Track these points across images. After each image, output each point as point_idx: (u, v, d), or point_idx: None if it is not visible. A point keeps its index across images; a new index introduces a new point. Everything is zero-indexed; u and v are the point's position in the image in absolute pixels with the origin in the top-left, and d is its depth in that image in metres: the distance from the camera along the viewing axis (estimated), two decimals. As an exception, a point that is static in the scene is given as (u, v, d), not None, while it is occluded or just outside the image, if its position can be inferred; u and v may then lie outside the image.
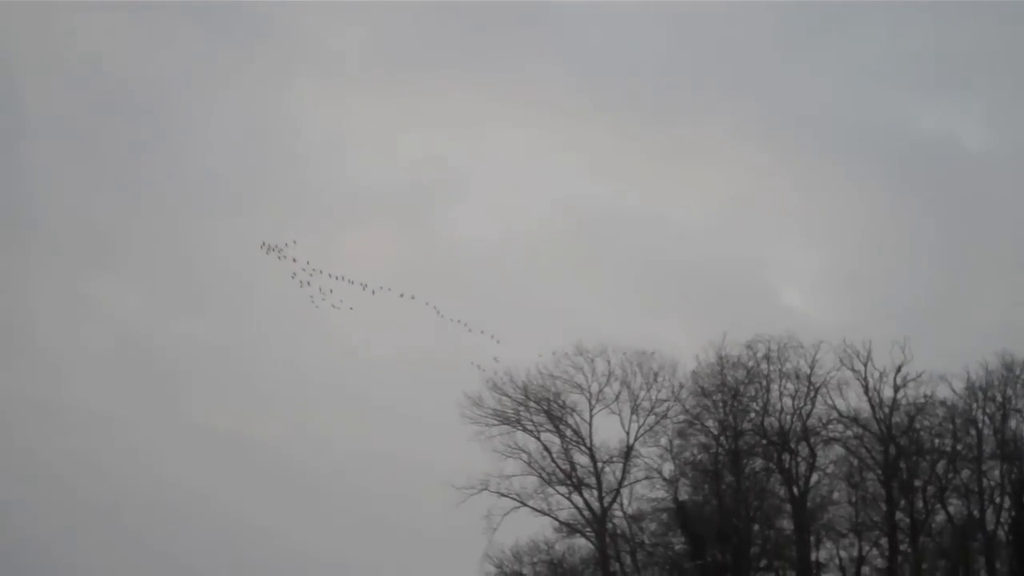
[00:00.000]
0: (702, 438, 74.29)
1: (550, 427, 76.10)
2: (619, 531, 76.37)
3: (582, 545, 79.71)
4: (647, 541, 76.24)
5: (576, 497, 75.93)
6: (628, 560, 76.20)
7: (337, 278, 57.76)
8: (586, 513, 75.68)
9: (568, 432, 76.10)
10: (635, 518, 76.35)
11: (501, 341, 68.35)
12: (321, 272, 56.33)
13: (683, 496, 74.91)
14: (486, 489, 75.18)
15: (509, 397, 75.86)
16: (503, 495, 75.45)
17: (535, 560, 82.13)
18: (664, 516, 75.84)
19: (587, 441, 75.74)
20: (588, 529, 76.12)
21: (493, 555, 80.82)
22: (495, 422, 76.00)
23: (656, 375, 74.49)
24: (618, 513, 76.16)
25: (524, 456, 76.07)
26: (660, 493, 75.71)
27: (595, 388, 75.43)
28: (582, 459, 76.06)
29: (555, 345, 76.46)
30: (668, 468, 75.51)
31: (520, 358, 76.19)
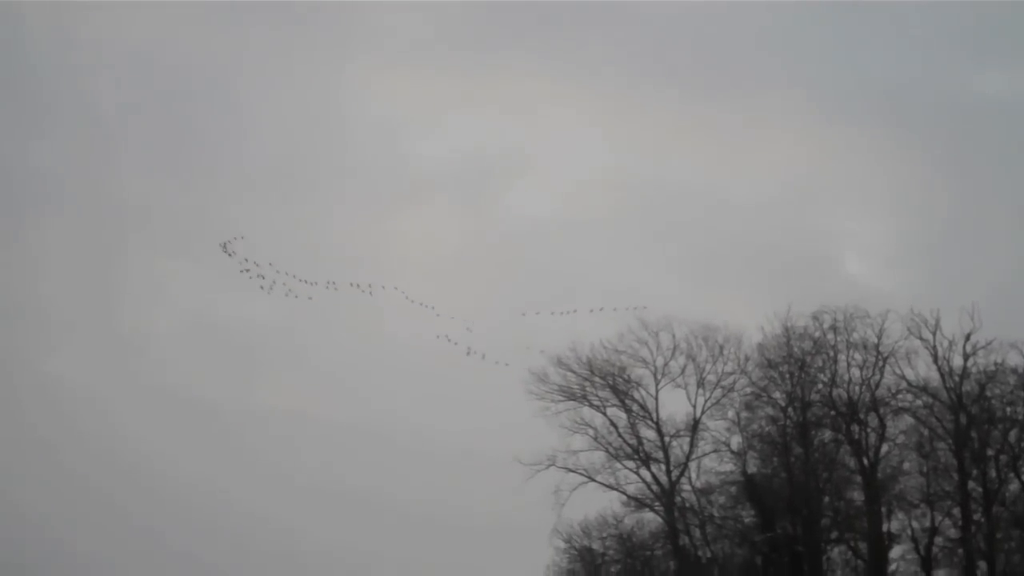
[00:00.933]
0: (770, 410, 73.99)
1: (616, 402, 76.55)
2: (688, 505, 76.54)
3: (651, 519, 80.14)
4: (716, 514, 76.23)
5: (644, 471, 76.40)
6: (697, 533, 76.44)
7: (283, 272, 60.15)
8: (654, 487, 76.05)
9: (634, 407, 76.50)
10: (703, 491, 76.49)
11: (471, 328, 70.32)
12: (271, 266, 58.50)
13: (751, 469, 74.80)
14: (553, 465, 75.96)
15: (574, 373, 76.45)
16: (570, 471, 76.15)
17: (604, 535, 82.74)
18: (733, 489, 75.77)
19: (653, 415, 76.13)
20: (656, 503, 76.47)
21: (562, 530, 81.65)
22: (561, 398, 76.66)
23: (722, 348, 74.67)
24: (686, 487, 76.56)
25: (590, 431, 76.71)
26: (728, 466, 75.88)
27: (660, 362, 75.78)
28: (649, 433, 76.51)
29: (618, 321, 76.88)
30: (736, 441, 75.64)
31: (583, 334, 76.63)
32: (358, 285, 69.53)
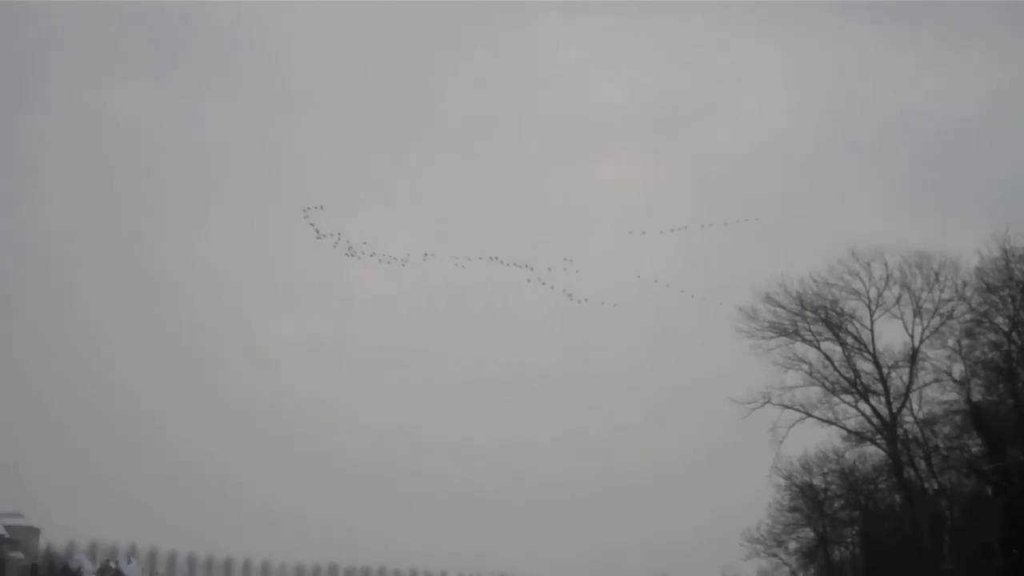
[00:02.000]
0: (992, 336, 71.32)
1: (829, 336, 75.83)
2: (911, 436, 75.11)
3: (872, 453, 79.35)
4: (941, 445, 74.56)
5: (863, 405, 75.49)
6: (922, 465, 75.05)
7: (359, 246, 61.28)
8: (874, 420, 75.09)
9: (849, 340, 75.61)
10: (927, 422, 74.82)
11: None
12: (347, 243, 59.68)
13: (976, 397, 72.48)
14: (768, 402, 76.01)
15: (784, 308, 76.15)
16: (786, 407, 76.10)
17: (825, 470, 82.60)
18: (957, 418, 73.70)
19: (869, 347, 75.00)
20: (878, 436, 75.56)
21: (781, 467, 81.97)
22: (772, 334, 76.65)
23: (937, 275, 72.41)
24: (908, 418, 75.03)
25: (805, 367, 76.29)
26: (951, 395, 73.64)
27: (873, 293, 74.54)
28: (865, 366, 75.46)
29: (826, 252, 76.13)
30: (958, 369, 73.17)
31: (791, 268, 76.46)
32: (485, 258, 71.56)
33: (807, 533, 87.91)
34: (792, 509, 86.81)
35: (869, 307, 74.59)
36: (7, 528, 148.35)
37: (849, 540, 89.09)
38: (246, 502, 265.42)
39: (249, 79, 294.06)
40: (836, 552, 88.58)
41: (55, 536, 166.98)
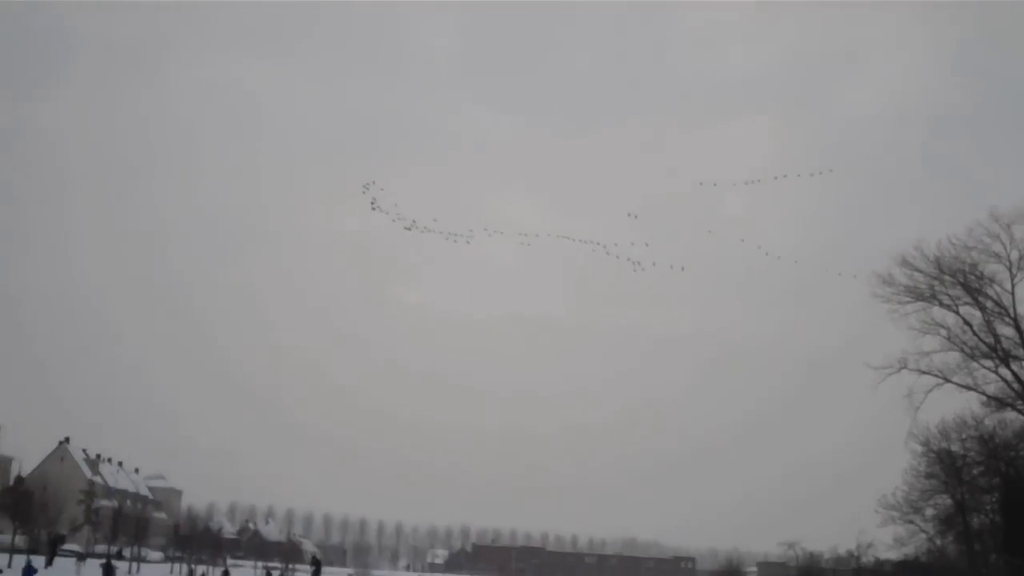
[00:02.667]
0: None
1: (968, 300, 73.96)
2: (1054, 402, 73.09)
3: (1013, 419, 77.09)
4: (1086, 411, 72.34)
5: (1003, 370, 73.31)
6: (1066, 431, 73.07)
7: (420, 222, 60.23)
8: (1015, 386, 73.00)
9: (988, 304, 73.54)
10: (1071, 388, 72.64)
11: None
12: (406, 220, 58.62)
13: (1123, 362, 70.17)
14: (904, 368, 74.67)
15: (921, 272, 74.58)
16: (923, 372, 74.71)
17: (963, 436, 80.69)
18: (1103, 384, 71.49)
19: (1010, 312, 72.83)
20: (1019, 402, 73.54)
21: (918, 433, 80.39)
22: (908, 299, 75.20)
23: (1085, 236, 69.98)
24: (1051, 384, 73.00)
25: (943, 332, 74.46)
26: (1097, 360, 71.36)
27: (1015, 256, 72.40)
28: (1006, 331, 73.26)
29: (967, 214, 74.29)
30: (1103, 334, 70.90)
31: (933, 230, 74.98)
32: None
33: (944, 500, 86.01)
34: (929, 476, 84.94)
35: (1010, 270, 72.27)
36: (151, 490, 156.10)
37: (988, 507, 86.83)
38: (379, 466, 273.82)
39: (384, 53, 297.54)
40: (975, 519, 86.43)
41: (196, 498, 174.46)
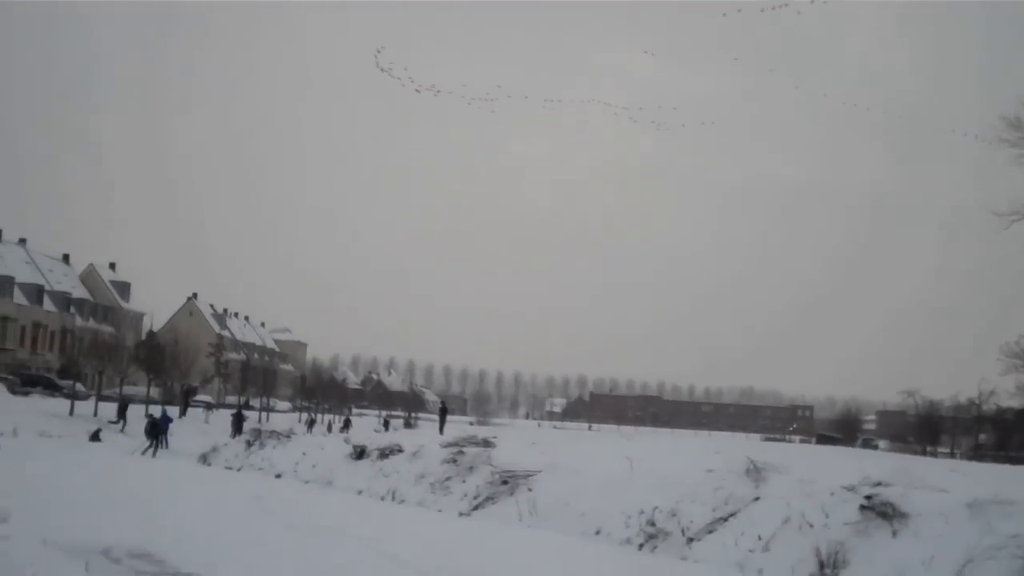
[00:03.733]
0: None
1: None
2: None
3: None
4: None
5: None
6: None
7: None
8: None
9: None
10: None
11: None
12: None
13: None
14: (1030, 214, 70.76)
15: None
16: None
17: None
18: None
19: None
20: None
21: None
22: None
23: None
24: None
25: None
26: None
27: None
28: None
29: None
30: None
31: None
32: None
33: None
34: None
35: None
36: (277, 343, 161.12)
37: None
38: (497, 320, 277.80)
39: None
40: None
41: (320, 351, 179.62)
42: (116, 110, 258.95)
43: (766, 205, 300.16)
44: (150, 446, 44.15)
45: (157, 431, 45.08)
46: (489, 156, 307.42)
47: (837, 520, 16.22)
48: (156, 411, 50.43)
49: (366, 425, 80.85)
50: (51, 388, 72.30)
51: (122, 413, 54.50)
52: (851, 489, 17.12)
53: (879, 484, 17.06)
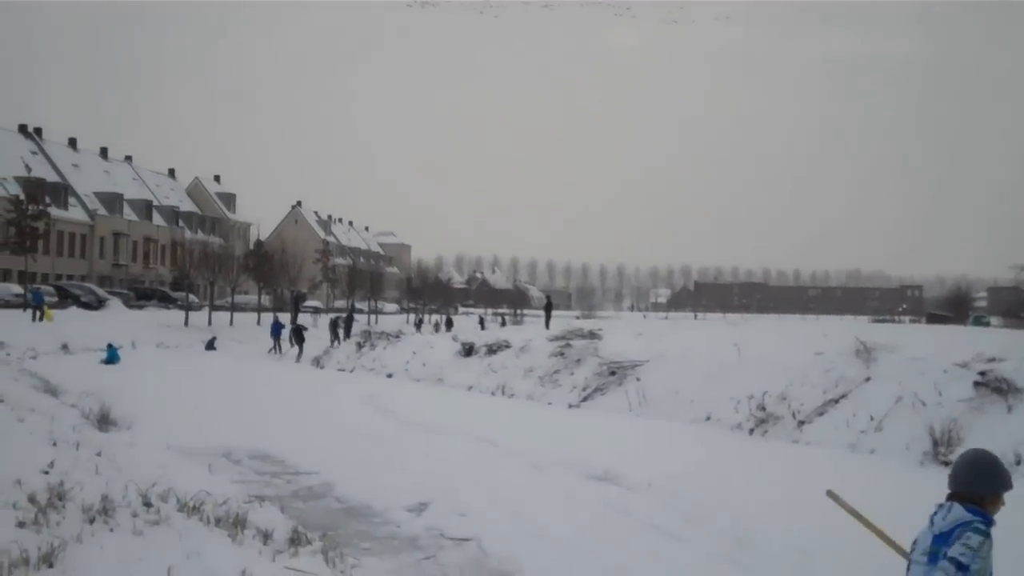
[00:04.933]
0: None
1: None
2: None
3: None
4: None
5: None
6: None
7: None
8: None
9: None
10: None
11: None
12: None
13: None
14: None
15: None
16: None
17: None
18: None
19: None
20: None
21: None
22: None
23: None
24: None
25: None
26: None
27: None
28: None
29: None
30: None
31: None
32: None
33: None
34: None
35: None
36: (381, 246, 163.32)
37: None
38: (597, 214, 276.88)
39: None
40: None
41: (424, 253, 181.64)
42: (214, 31, 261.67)
43: (875, 84, 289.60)
44: (296, 350, 45.01)
45: (301, 337, 45.84)
46: (592, 56, 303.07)
47: (951, 397, 15.81)
48: (284, 319, 51.43)
49: (470, 324, 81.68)
50: (165, 300, 74.70)
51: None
52: (964, 366, 16.62)
53: (993, 360, 16.53)
